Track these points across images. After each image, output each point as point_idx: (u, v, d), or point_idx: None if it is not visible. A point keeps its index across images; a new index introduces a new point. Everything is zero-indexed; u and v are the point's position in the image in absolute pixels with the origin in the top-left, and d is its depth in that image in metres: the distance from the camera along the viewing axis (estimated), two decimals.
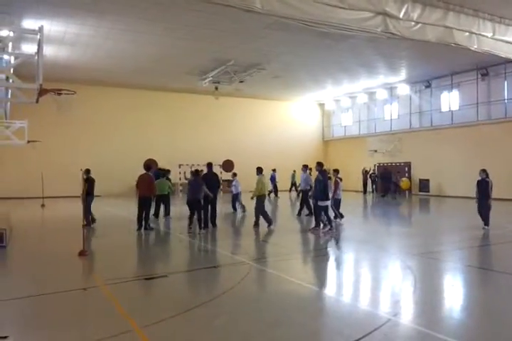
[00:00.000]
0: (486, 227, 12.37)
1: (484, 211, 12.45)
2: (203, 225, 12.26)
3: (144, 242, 11.73)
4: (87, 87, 25.81)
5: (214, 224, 13.10)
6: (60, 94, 10.98)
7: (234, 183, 17.32)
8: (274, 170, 24.12)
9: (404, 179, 28.13)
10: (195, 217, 12.24)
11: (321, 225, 12.21)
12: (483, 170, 12.45)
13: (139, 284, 6.96)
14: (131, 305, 5.86)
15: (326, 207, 12.09)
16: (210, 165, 13.62)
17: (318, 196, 12.02)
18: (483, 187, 12.31)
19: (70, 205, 20.05)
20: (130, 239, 11.75)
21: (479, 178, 12.50)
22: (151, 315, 5.29)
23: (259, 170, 13.52)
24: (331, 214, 12.92)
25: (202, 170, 13.84)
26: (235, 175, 17.55)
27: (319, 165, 12.61)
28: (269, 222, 12.95)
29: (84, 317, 5.44)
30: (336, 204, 13.79)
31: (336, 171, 14.24)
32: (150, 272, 7.74)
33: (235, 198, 17.41)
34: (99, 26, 17.26)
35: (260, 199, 13.03)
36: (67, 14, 15.89)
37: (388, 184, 26.95)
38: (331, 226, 12.07)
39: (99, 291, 6.49)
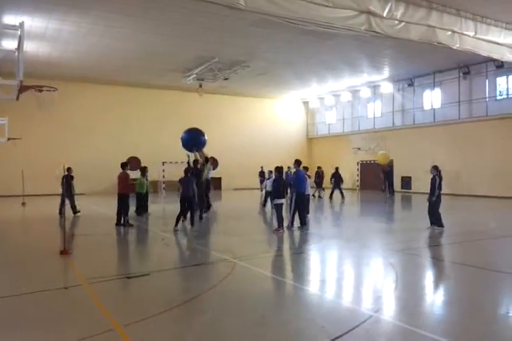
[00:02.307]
0: (434, 227, 11.77)
1: (433, 209, 11.85)
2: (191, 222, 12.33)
3: (126, 240, 11.65)
4: (69, 84, 25.49)
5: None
6: (40, 90, 10.84)
7: (268, 181, 17.05)
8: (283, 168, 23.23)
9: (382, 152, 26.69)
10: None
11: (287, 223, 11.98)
12: (434, 167, 11.91)
13: (121, 283, 6.91)
14: (113, 303, 5.81)
15: (281, 205, 11.74)
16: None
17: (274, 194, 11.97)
18: (433, 184, 11.75)
19: (51, 203, 19.75)
20: (112, 237, 11.67)
21: (431, 176, 11.94)
22: (133, 314, 5.25)
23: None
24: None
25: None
26: (271, 172, 17.00)
27: (296, 162, 12.82)
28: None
29: (65, 317, 5.37)
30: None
31: (305, 168, 14.88)
32: (132, 270, 7.68)
33: (268, 195, 17.35)
34: (82, 22, 17.02)
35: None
36: (48, 10, 15.64)
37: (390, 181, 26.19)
38: (280, 226, 11.60)
39: (81, 290, 6.42)
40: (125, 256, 9.64)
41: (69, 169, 15.34)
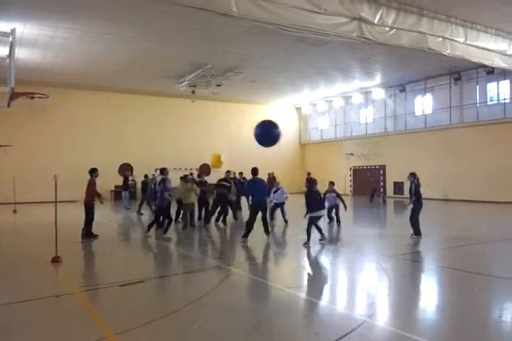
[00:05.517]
0: (412, 236, 11.38)
1: (412, 216, 11.48)
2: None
3: (119, 247, 11.57)
4: (61, 90, 25.39)
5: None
6: (32, 97, 10.83)
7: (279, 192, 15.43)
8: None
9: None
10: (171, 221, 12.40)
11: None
12: (412, 174, 11.50)
13: (114, 290, 6.84)
14: (105, 311, 5.76)
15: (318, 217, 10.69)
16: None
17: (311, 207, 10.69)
18: (412, 190, 11.42)
19: (43, 211, 19.62)
20: (104, 245, 11.58)
21: (408, 183, 11.66)
22: (126, 322, 5.20)
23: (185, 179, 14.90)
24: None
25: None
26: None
27: (252, 171, 13.17)
28: (185, 225, 13.78)
29: (57, 325, 5.31)
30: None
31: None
32: (126, 278, 7.62)
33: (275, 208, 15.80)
34: (73, 29, 17.01)
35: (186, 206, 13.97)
36: (40, 17, 15.62)
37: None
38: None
39: (73, 298, 6.35)
40: (118, 263, 9.56)
41: (146, 176, 19.38)
